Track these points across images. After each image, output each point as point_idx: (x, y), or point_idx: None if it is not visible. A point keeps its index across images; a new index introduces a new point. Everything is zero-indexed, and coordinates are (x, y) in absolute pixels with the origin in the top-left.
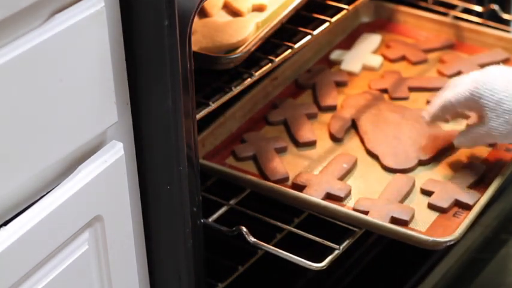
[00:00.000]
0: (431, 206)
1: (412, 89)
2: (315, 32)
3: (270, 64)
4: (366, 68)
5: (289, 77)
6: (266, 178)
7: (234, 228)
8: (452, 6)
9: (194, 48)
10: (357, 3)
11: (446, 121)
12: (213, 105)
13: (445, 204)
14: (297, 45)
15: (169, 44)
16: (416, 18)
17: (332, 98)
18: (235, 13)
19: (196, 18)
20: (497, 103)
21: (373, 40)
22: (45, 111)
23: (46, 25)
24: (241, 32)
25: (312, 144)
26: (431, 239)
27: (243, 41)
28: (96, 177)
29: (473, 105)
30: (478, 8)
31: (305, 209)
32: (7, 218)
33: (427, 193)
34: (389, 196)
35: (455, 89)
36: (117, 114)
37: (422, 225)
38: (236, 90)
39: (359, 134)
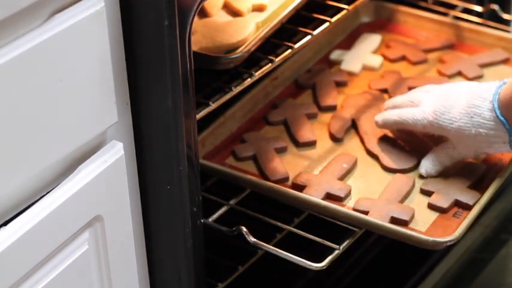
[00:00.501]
0: (431, 206)
1: (412, 89)
2: (315, 32)
3: (270, 64)
4: (366, 68)
5: (289, 77)
6: (266, 178)
7: (234, 228)
8: (452, 6)
9: (194, 48)
10: (357, 3)
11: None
12: (213, 105)
13: (445, 204)
14: (297, 45)
15: (169, 44)
16: (416, 18)
17: (332, 98)
18: (235, 13)
19: (196, 18)
20: (458, 131)
21: (373, 40)
22: (45, 111)
23: (46, 25)
24: (241, 32)
25: (312, 144)
26: (431, 239)
27: (243, 41)
28: (96, 177)
29: (432, 131)
30: (478, 8)
31: (305, 209)
32: (7, 218)
33: (427, 193)
34: (389, 196)
35: (415, 111)
36: (117, 114)
37: (422, 225)
38: (236, 90)
39: (359, 134)
